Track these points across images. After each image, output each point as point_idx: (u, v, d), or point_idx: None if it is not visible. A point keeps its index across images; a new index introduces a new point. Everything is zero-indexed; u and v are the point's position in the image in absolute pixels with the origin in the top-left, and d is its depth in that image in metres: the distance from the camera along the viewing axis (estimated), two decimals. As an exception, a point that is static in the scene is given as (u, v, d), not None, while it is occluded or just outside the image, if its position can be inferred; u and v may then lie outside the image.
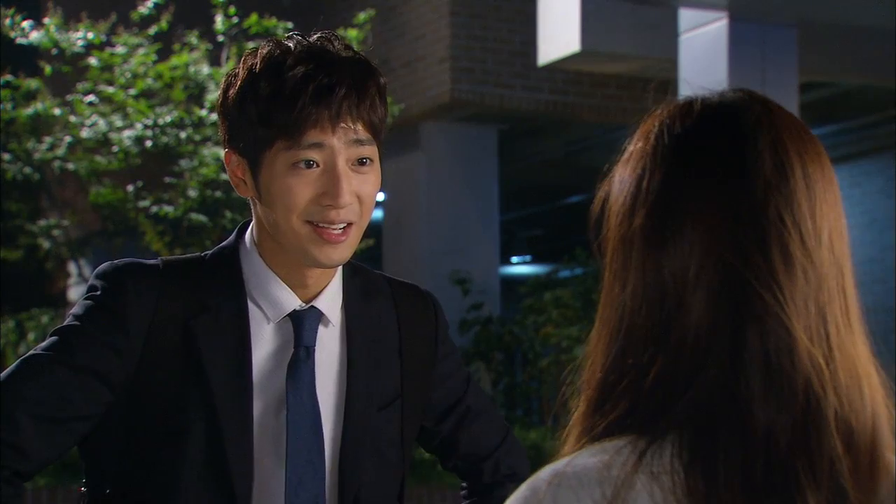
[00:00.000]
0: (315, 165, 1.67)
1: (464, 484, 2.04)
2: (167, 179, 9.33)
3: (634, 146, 1.10)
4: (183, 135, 9.12)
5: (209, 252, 1.80)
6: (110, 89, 9.22)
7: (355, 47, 1.77)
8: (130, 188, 9.36)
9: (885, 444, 1.04)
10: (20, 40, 9.39)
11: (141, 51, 9.27)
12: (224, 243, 1.81)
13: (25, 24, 9.40)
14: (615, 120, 10.48)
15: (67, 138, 9.33)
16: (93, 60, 9.30)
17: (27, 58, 10.25)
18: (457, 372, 1.94)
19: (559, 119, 10.82)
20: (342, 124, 1.67)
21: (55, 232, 10.15)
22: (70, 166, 9.38)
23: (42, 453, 1.66)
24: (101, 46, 9.41)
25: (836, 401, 1.02)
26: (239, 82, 1.70)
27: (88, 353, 1.67)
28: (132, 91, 9.18)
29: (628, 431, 1.03)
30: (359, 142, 1.69)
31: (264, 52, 1.70)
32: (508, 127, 11.02)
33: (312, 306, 1.76)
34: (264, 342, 1.75)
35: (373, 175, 1.72)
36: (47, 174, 10.00)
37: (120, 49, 9.32)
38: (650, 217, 1.06)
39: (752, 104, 1.08)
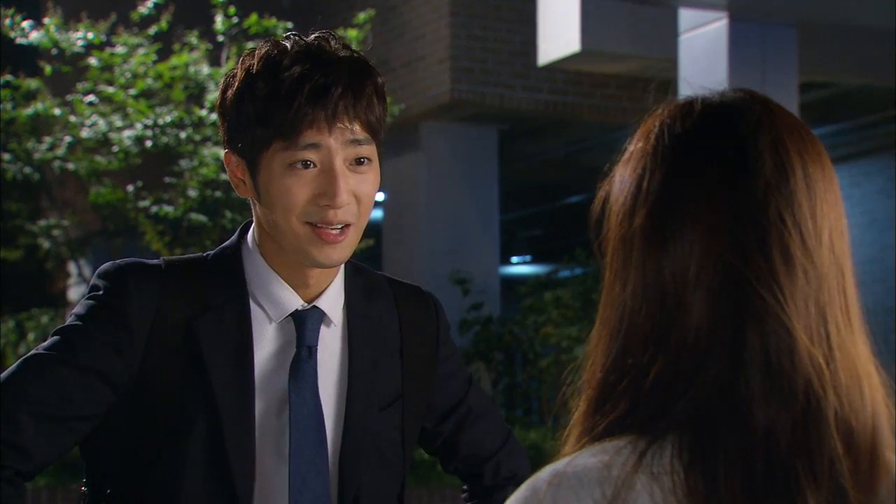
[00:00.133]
0: (312, 165, 1.67)
1: (465, 486, 2.04)
2: (167, 179, 9.34)
3: (635, 146, 1.10)
4: (183, 135, 9.12)
5: (211, 252, 1.80)
6: (110, 89, 9.23)
7: (355, 47, 1.77)
8: (130, 188, 9.37)
9: (886, 444, 1.04)
10: (20, 40, 9.39)
11: (141, 51, 9.27)
12: (226, 243, 1.81)
13: (25, 24, 9.40)
14: (615, 120, 10.48)
15: (67, 138, 9.33)
16: (93, 60, 9.30)
17: (27, 58, 10.25)
18: (458, 373, 1.94)
19: (559, 119, 10.82)
20: (339, 124, 1.67)
21: (55, 232, 10.15)
22: (70, 166, 9.38)
23: (43, 453, 1.66)
24: (101, 46, 9.41)
25: (836, 401, 1.02)
26: (237, 83, 1.70)
27: (90, 352, 1.67)
28: (132, 91, 9.18)
29: (628, 431, 1.03)
30: (356, 141, 1.69)
31: (262, 52, 1.70)
32: (508, 127, 11.02)
33: (314, 306, 1.76)
34: (266, 342, 1.75)
35: (371, 175, 1.72)
36: (47, 174, 10.00)
37: (120, 49, 9.32)
38: (650, 217, 1.06)
39: (753, 104, 1.08)
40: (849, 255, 1.07)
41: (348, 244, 1.70)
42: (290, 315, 1.75)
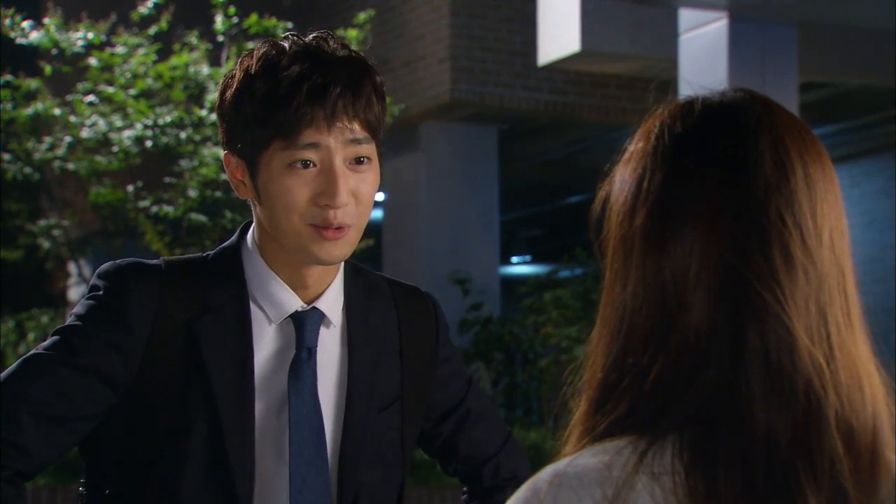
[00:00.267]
0: (312, 165, 1.67)
1: (464, 488, 2.04)
2: (167, 179, 9.34)
3: (635, 146, 1.10)
4: (183, 135, 9.12)
5: (211, 252, 1.80)
6: (110, 89, 9.22)
7: (355, 47, 1.77)
8: (130, 188, 9.37)
9: (886, 444, 1.04)
10: (20, 40, 9.39)
11: (141, 51, 9.27)
12: (226, 243, 1.81)
13: (25, 24, 9.40)
14: (615, 120, 10.48)
15: (67, 138, 9.33)
16: (93, 60, 9.30)
17: (27, 58, 10.25)
18: (458, 374, 1.94)
19: (559, 119, 10.83)
20: (338, 123, 1.67)
21: (55, 232, 10.16)
22: (70, 166, 9.38)
23: (43, 453, 1.66)
24: (101, 46, 9.41)
25: (836, 400, 1.02)
26: (235, 84, 1.70)
27: (90, 352, 1.67)
28: (132, 91, 9.18)
29: (629, 431, 1.03)
30: (355, 141, 1.68)
31: (260, 52, 1.70)
32: (508, 127, 11.02)
33: (314, 307, 1.76)
34: (266, 343, 1.75)
35: (371, 174, 1.71)
36: (47, 174, 10.00)
37: (120, 49, 9.32)
38: (651, 217, 1.06)
39: (753, 104, 1.08)
40: (849, 254, 1.07)
41: (349, 241, 1.70)
42: (289, 316, 1.75)
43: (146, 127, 9.09)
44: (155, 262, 1.76)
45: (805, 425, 1.00)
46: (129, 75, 9.21)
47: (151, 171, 9.58)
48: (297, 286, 1.75)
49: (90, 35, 9.39)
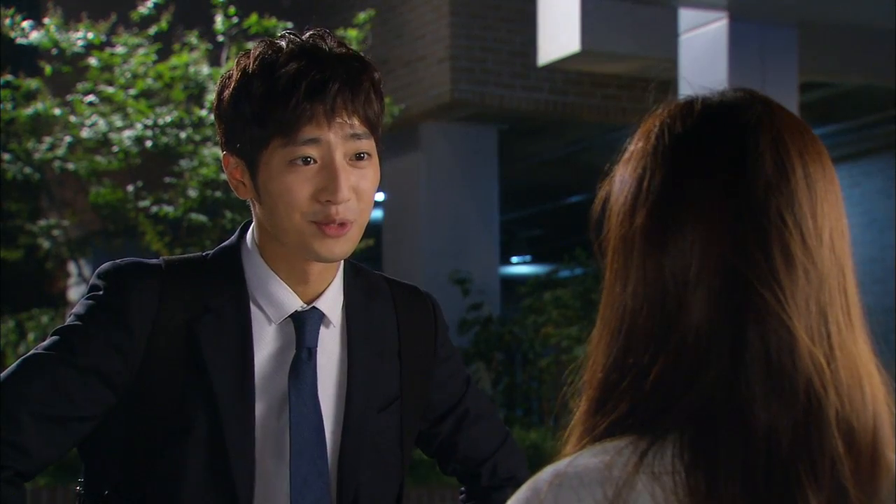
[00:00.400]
0: (312, 162, 1.67)
1: (462, 488, 2.04)
2: (167, 179, 9.34)
3: (635, 146, 1.10)
4: (183, 135, 9.12)
5: (211, 252, 1.80)
6: (110, 89, 9.23)
7: (355, 47, 1.77)
8: (130, 188, 9.37)
9: (887, 444, 1.04)
10: (20, 40, 9.39)
11: (141, 51, 9.28)
12: (226, 243, 1.81)
13: (25, 24, 9.40)
14: (615, 120, 10.48)
15: (67, 138, 9.33)
16: (93, 60, 9.30)
17: (27, 58, 10.26)
18: (456, 374, 1.94)
19: (559, 119, 10.82)
20: (337, 119, 1.67)
21: (55, 232, 10.16)
22: (70, 166, 9.38)
23: (44, 453, 1.66)
24: (101, 46, 9.42)
25: (837, 400, 1.02)
26: (233, 83, 1.70)
27: (90, 352, 1.67)
28: (132, 91, 9.18)
29: (629, 431, 1.03)
30: (355, 136, 1.69)
31: (257, 52, 1.71)
32: (508, 127, 11.02)
33: (314, 307, 1.76)
34: (266, 343, 1.75)
35: (371, 170, 1.71)
36: (47, 174, 10.00)
37: (120, 49, 9.32)
38: (651, 217, 1.06)
39: (753, 103, 1.08)
40: (849, 254, 1.07)
41: (350, 238, 1.70)
42: (289, 316, 1.75)
43: (146, 127, 9.09)
44: (155, 261, 1.76)
45: (806, 425, 1.00)
46: (129, 75, 9.21)
47: (151, 171, 9.58)
48: (297, 286, 1.75)
49: (90, 35, 9.39)
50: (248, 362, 1.72)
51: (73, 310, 1.73)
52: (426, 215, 10.64)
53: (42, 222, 10.31)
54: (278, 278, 1.75)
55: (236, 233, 1.80)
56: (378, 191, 1.74)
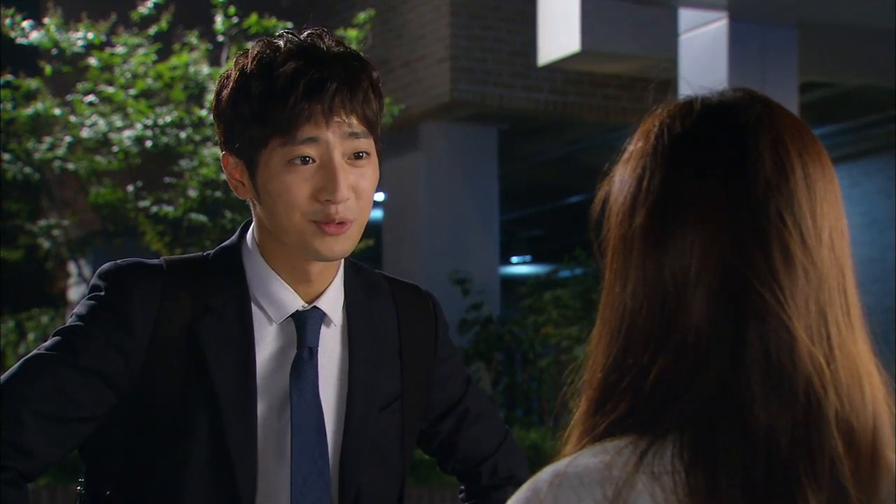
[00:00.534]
0: (311, 161, 1.67)
1: (462, 487, 2.04)
2: (167, 179, 9.34)
3: (634, 146, 1.10)
4: (183, 135, 9.12)
5: (211, 252, 1.80)
6: (110, 89, 9.23)
7: (355, 47, 1.77)
8: (130, 188, 9.37)
9: (886, 444, 1.04)
10: (20, 40, 9.39)
11: (141, 51, 9.27)
12: (227, 243, 1.81)
13: (25, 24, 9.40)
14: (615, 120, 10.48)
15: (67, 138, 9.33)
16: (93, 60, 9.30)
17: (27, 58, 10.25)
18: (457, 373, 1.94)
19: (559, 119, 10.83)
20: (336, 118, 1.67)
21: (55, 232, 10.15)
22: (70, 166, 9.38)
23: (46, 454, 1.66)
24: (101, 46, 9.41)
25: (836, 400, 1.02)
26: (231, 83, 1.70)
27: (92, 353, 1.67)
28: (132, 91, 9.18)
29: (629, 431, 1.03)
30: (354, 135, 1.68)
31: (255, 51, 1.71)
32: (508, 127, 11.02)
33: (315, 307, 1.76)
34: (267, 343, 1.75)
35: (370, 169, 1.71)
36: (47, 174, 10.00)
37: (120, 49, 9.32)
38: (650, 217, 1.06)
39: (753, 103, 1.08)
40: (849, 254, 1.07)
41: (350, 237, 1.70)
42: (290, 316, 1.75)
43: (146, 127, 9.09)
44: (156, 261, 1.76)
45: (805, 425, 1.00)
46: (129, 75, 9.21)
47: (151, 171, 9.58)
48: (298, 285, 1.75)
49: (90, 35, 9.39)
50: (250, 362, 1.72)
51: (75, 310, 1.73)
52: (426, 215, 10.64)
53: (42, 222, 10.31)
54: (279, 278, 1.75)
55: (237, 232, 1.80)
56: (378, 191, 1.74)
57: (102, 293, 1.71)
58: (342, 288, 1.80)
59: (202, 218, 9.04)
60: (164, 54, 9.36)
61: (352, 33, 9.10)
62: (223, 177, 8.68)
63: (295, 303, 1.75)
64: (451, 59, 10.15)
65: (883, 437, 1.04)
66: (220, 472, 1.69)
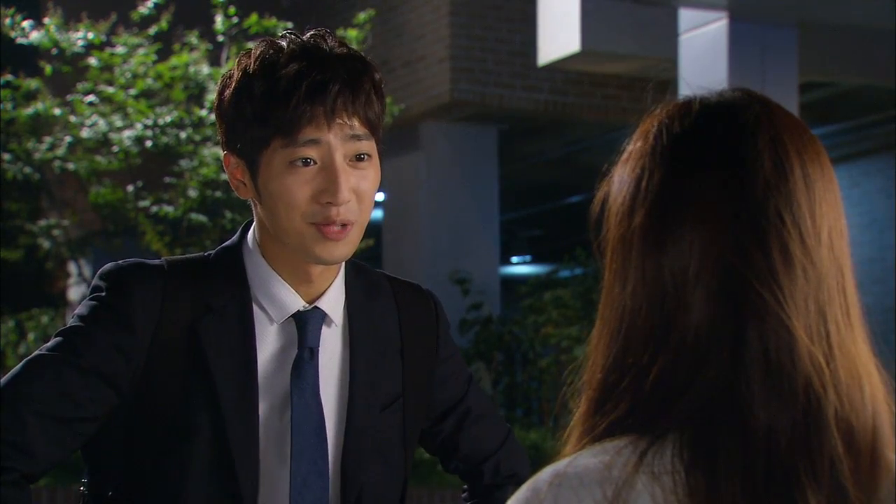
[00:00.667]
0: (312, 163, 1.67)
1: (465, 486, 2.04)
2: (167, 179, 9.34)
3: (633, 146, 1.10)
4: (183, 135, 9.12)
5: (213, 252, 1.80)
6: (110, 89, 9.23)
7: (355, 47, 1.77)
8: (130, 188, 9.37)
9: (886, 443, 1.04)
10: (20, 40, 9.39)
11: (141, 51, 9.28)
12: (227, 243, 1.81)
13: (25, 24, 9.40)
14: (615, 120, 10.48)
15: (67, 138, 9.33)
16: (93, 60, 9.30)
17: (27, 58, 10.25)
18: (458, 372, 1.94)
19: (559, 119, 10.83)
20: (338, 120, 1.67)
21: (55, 232, 10.15)
22: (70, 166, 9.38)
23: (48, 455, 1.66)
24: (101, 46, 9.42)
25: (836, 400, 1.02)
26: (234, 83, 1.70)
27: (93, 354, 1.67)
28: (132, 91, 9.18)
29: (629, 431, 1.03)
30: (355, 137, 1.68)
31: (258, 52, 1.71)
32: (508, 127, 11.02)
33: (316, 307, 1.76)
34: (268, 343, 1.75)
35: (371, 171, 1.71)
36: (47, 174, 10.00)
37: (120, 49, 9.32)
38: (649, 216, 1.06)
39: (751, 103, 1.08)
40: (848, 254, 1.07)
41: (350, 241, 1.70)
42: (291, 316, 1.75)
43: (146, 127, 9.09)
44: (157, 262, 1.76)
45: (805, 425, 1.00)
46: (129, 75, 9.21)
47: (151, 171, 9.58)
48: (299, 285, 1.75)
49: (90, 35, 9.39)
50: (251, 362, 1.72)
51: (76, 311, 1.73)
52: (426, 215, 10.64)
53: (42, 222, 10.31)
54: (280, 278, 1.75)
55: (238, 233, 1.81)
56: (378, 191, 1.74)
57: (103, 294, 1.71)
58: (343, 288, 1.80)
59: (202, 218, 9.04)
60: (164, 54, 9.36)
61: (352, 33, 9.10)
62: (223, 177, 8.70)
63: (296, 303, 1.75)
64: (451, 59, 10.15)
65: (883, 437, 1.04)
66: (222, 473, 1.69)
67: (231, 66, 1.74)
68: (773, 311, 1.01)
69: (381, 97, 1.72)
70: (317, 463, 1.73)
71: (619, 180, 1.10)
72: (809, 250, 1.04)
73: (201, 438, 1.69)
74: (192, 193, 9.05)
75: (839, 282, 1.05)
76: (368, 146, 1.70)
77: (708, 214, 1.04)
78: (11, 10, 9.35)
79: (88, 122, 9.23)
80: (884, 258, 11.49)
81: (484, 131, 10.87)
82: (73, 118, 9.29)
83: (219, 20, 9.23)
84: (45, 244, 10.17)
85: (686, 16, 7.51)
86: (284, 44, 1.70)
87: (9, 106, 9.31)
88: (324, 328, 1.77)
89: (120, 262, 1.75)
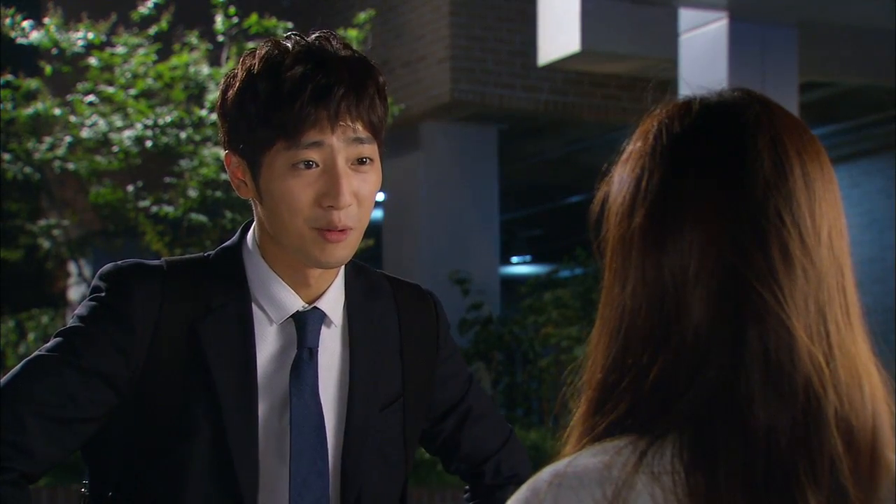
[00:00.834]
0: (315, 165, 1.67)
1: (466, 486, 2.04)
2: (167, 179, 9.34)
3: (633, 146, 1.10)
4: (183, 135, 9.12)
5: (212, 252, 1.80)
6: (110, 89, 9.23)
7: (355, 47, 1.77)
8: (130, 188, 9.37)
9: (886, 443, 1.04)
10: (20, 40, 9.39)
11: (141, 51, 9.28)
12: (227, 243, 1.81)
13: (25, 24, 9.40)
14: (615, 120, 10.48)
15: (67, 138, 9.34)
16: (93, 60, 9.31)
17: (27, 58, 10.26)
18: (458, 372, 1.94)
19: (559, 119, 10.83)
20: (341, 123, 1.67)
21: (55, 232, 10.16)
22: (70, 166, 9.39)
23: (48, 455, 1.66)
24: (101, 46, 9.42)
25: (836, 399, 1.02)
26: (238, 83, 1.70)
27: (93, 354, 1.67)
28: (132, 91, 9.19)
29: (629, 431, 1.03)
30: (358, 140, 1.68)
31: (262, 52, 1.70)
32: (508, 127, 11.02)
33: (315, 307, 1.76)
34: (268, 344, 1.75)
35: (373, 175, 1.71)
36: (47, 174, 10.01)
37: (120, 49, 9.32)
38: (649, 216, 1.06)
39: (751, 103, 1.08)
40: (848, 254, 1.07)
41: (350, 244, 1.70)
42: (290, 316, 1.75)
43: (146, 127, 9.09)
44: (156, 262, 1.76)
45: (805, 424, 1.00)
46: (129, 75, 9.21)
47: (151, 171, 9.58)
48: (299, 286, 1.75)
49: (90, 35, 9.39)
50: (251, 362, 1.72)
51: (76, 311, 1.73)
52: (426, 215, 10.64)
53: (42, 222, 10.31)
54: (279, 278, 1.75)
55: (237, 233, 1.81)
56: (378, 191, 1.75)
57: (103, 294, 1.71)
58: (343, 288, 1.80)
59: (202, 218, 9.04)
60: (164, 54, 9.37)
61: (352, 33, 9.10)
62: (223, 177, 8.71)
63: (295, 303, 1.75)
64: (451, 59, 10.15)
65: (883, 437, 1.04)
66: (222, 473, 1.69)
67: (231, 66, 1.74)
68: (772, 310, 1.01)
69: (384, 101, 1.72)
70: (316, 463, 1.73)
71: (619, 180, 1.10)
72: (809, 250, 1.04)
73: (201, 438, 1.69)
74: (192, 193, 9.05)
75: (839, 281, 1.05)
76: (371, 150, 1.70)
77: (708, 214, 1.04)
78: (11, 10, 9.35)
79: (88, 122, 9.23)
80: (884, 258, 11.50)
81: (484, 131, 10.87)
82: (73, 118, 9.29)
83: (219, 20, 9.23)
84: (45, 244, 10.18)
85: (686, 16, 7.51)
86: (289, 45, 1.70)
87: (9, 106, 9.31)
88: (323, 328, 1.77)
89: (119, 262, 1.75)
